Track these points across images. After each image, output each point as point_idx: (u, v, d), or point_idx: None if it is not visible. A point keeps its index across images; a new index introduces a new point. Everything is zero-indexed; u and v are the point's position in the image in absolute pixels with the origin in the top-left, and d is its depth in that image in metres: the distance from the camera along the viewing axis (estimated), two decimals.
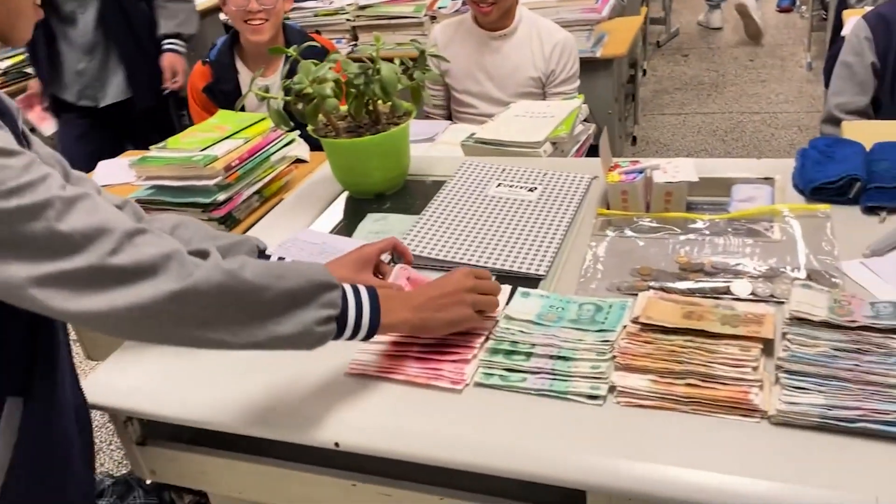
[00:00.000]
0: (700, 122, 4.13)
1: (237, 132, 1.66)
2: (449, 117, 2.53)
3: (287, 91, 1.36)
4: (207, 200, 1.56)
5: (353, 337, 0.88)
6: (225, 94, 2.22)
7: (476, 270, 1.01)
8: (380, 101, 1.42)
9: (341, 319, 0.86)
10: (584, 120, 1.86)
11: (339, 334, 0.87)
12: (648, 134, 4.07)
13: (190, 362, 1.06)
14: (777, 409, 0.82)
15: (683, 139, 3.96)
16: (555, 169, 1.45)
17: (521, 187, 1.39)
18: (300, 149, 1.87)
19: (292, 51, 1.38)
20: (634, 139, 4.00)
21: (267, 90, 1.37)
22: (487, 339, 1.01)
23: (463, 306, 0.96)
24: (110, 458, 2.27)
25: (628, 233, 1.23)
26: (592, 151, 1.76)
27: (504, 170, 1.45)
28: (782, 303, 0.99)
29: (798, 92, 4.36)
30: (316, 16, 3.12)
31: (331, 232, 1.38)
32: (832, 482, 0.75)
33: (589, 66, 2.65)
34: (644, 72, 4.87)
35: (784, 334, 0.90)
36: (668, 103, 4.46)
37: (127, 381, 1.05)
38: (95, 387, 1.04)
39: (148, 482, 1.88)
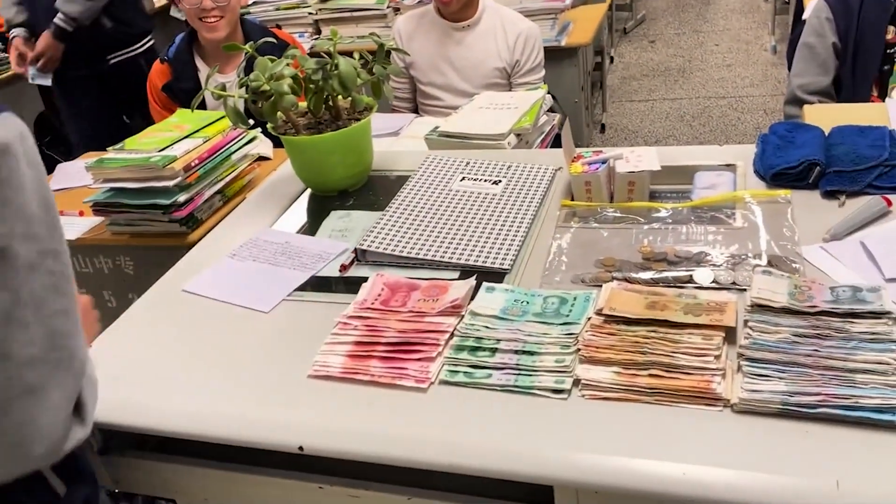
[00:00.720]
0: (668, 108, 4.16)
1: (196, 131, 1.63)
2: (415, 110, 2.51)
3: (245, 88, 1.33)
4: (168, 202, 1.53)
5: None
6: (185, 93, 2.18)
7: None
8: (340, 97, 1.39)
9: None
10: (549, 110, 1.85)
11: None
12: (617, 121, 4.09)
13: (150, 370, 1.04)
14: (739, 398, 0.82)
15: (652, 125, 3.99)
16: (519, 161, 1.44)
17: (486, 180, 1.38)
18: (263, 146, 1.84)
19: (248, 47, 1.35)
20: (603, 127, 4.01)
21: (224, 88, 1.34)
22: (452, 335, 1.00)
23: None
24: None
25: (592, 224, 1.23)
26: (558, 141, 1.76)
27: (468, 163, 1.44)
28: (744, 290, 0.99)
29: (763, 75, 4.40)
30: (277, 10, 3.07)
31: (295, 231, 1.36)
32: (794, 468, 0.75)
33: (554, 55, 2.65)
34: (611, 59, 4.89)
35: (746, 322, 0.91)
36: (635, 90, 4.48)
37: None
38: None
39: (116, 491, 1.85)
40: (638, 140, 3.83)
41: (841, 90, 2.05)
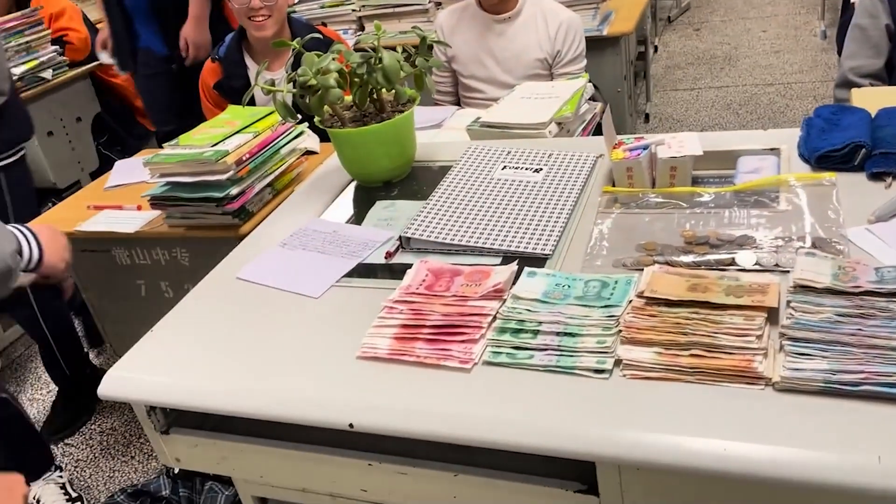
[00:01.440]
0: (713, 97, 4.10)
1: (247, 126, 1.69)
2: (457, 103, 2.54)
3: (293, 83, 1.38)
4: (221, 195, 1.59)
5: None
6: (236, 90, 2.25)
7: None
8: (384, 90, 1.43)
9: None
10: (591, 98, 1.86)
11: None
12: (661, 110, 4.05)
13: (208, 353, 1.09)
14: (781, 376, 0.83)
15: (697, 114, 3.94)
16: (560, 149, 1.45)
17: (527, 168, 1.40)
18: (310, 140, 1.89)
19: (296, 43, 1.39)
20: (647, 116, 3.97)
21: (274, 83, 1.39)
22: (495, 318, 1.02)
23: None
24: (140, 450, 2.33)
25: (634, 209, 1.24)
26: (599, 130, 1.76)
27: (509, 152, 1.46)
28: (787, 272, 0.99)
29: (812, 61, 4.30)
30: (322, 7, 3.14)
31: (342, 221, 1.41)
32: (836, 444, 0.76)
33: (596, 44, 2.64)
34: (655, 48, 4.83)
35: (788, 302, 0.91)
36: (680, 79, 4.42)
37: (147, 373, 1.08)
38: (117, 381, 1.08)
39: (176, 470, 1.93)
40: (683, 129, 3.77)
41: (893, 73, 2.01)
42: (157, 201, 1.69)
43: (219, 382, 1.03)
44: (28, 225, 1.42)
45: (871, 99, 1.51)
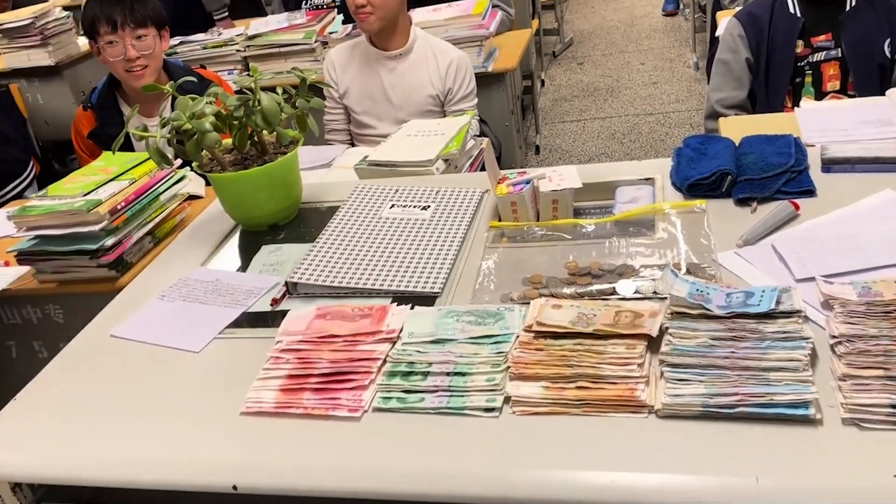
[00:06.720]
0: (599, 127, 4.27)
1: (123, 173, 1.61)
2: (351, 141, 2.52)
3: (168, 128, 1.32)
4: (94, 246, 1.51)
5: None
6: (112, 138, 2.14)
7: None
8: (265, 132, 1.40)
9: None
10: (479, 134, 1.89)
11: None
12: (551, 142, 4.18)
13: (80, 421, 1.01)
14: (662, 403, 0.85)
15: (584, 144, 4.08)
16: (447, 186, 1.46)
17: (415, 206, 1.40)
18: (193, 185, 1.83)
19: (168, 87, 1.35)
20: (538, 148, 4.09)
21: (146, 129, 1.33)
22: (385, 362, 1.00)
23: None
24: None
25: (520, 243, 1.25)
26: None
27: (397, 190, 1.46)
28: (665, 298, 1.02)
29: (687, 91, 4.57)
30: (205, 48, 3.05)
31: (227, 269, 1.35)
32: (716, 468, 0.78)
33: (482, 80, 2.69)
34: (543, 82, 5.00)
35: (666, 329, 0.93)
36: (567, 111, 4.58)
37: (10, 446, 0.99)
38: None
39: None
40: (572, 159, 3.91)
41: (756, 103, 2.15)
42: (24, 256, 1.58)
43: (90, 452, 0.96)
44: None
45: (737, 127, 1.61)
